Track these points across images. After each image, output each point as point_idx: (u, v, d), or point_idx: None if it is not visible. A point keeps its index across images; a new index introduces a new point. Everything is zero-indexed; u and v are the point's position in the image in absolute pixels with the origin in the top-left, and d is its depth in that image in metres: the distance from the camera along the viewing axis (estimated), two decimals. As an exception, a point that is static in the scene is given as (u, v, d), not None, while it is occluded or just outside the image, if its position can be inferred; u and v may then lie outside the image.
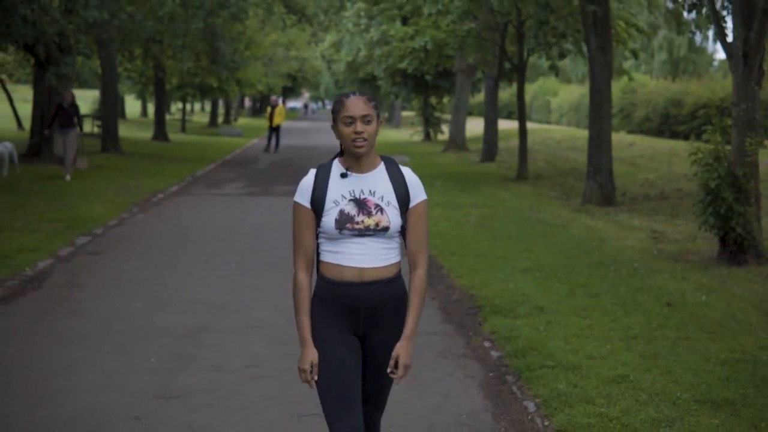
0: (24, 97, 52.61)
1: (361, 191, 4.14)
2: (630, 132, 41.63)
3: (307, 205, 4.16)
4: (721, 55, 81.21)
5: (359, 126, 4.06)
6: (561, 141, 37.23)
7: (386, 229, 4.11)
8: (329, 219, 4.10)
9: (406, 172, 4.23)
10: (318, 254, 4.25)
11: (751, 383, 6.77)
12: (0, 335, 8.26)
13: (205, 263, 11.95)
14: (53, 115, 21.32)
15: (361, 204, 4.12)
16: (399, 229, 4.19)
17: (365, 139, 4.07)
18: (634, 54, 24.99)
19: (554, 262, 11.85)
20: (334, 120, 4.15)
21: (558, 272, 11.17)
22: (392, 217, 4.13)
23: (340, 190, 4.14)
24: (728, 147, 12.32)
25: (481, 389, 6.95)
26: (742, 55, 12.25)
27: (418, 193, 4.22)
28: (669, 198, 19.22)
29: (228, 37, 31.66)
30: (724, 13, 13.54)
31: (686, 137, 34.43)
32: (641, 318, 8.83)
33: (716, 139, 12.23)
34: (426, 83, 42.68)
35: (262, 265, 11.87)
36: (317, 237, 4.22)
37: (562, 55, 24.56)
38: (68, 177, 21.00)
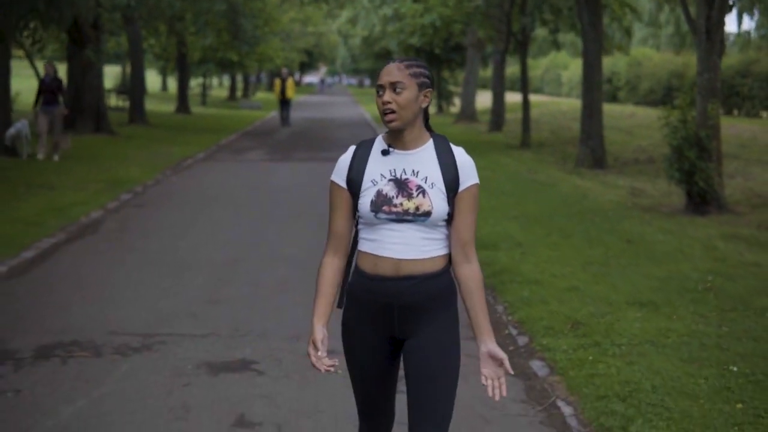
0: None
1: (403, 170, 3.70)
2: (636, 104, 43.22)
3: (343, 184, 3.77)
4: (730, 29, 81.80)
5: (387, 95, 3.63)
6: (567, 112, 38.78)
7: (428, 214, 3.64)
8: (365, 200, 3.69)
9: (458, 151, 3.75)
10: (356, 243, 3.84)
11: (675, 292, 8.56)
12: (70, 264, 10.09)
13: (235, 213, 13.75)
14: (38, 91, 19.97)
15: (401, 185, 3.67)
16: (444, 217, 3.69)
17: (393, 111, 3.63)
18: (628, 32, 26.66)
19: (539, 212, 13.60)
20: None
21: (541, 219, 12.93)
22: (436, 202, 3.65)
23: (380, 169, 3.72)
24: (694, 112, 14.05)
25: (460, 301, 8.72)
26: (705, 31, 13.94)
27: (469, 175, 3.73)
28: (656, 162, 20.90)
29: (249, 14, 33.29)
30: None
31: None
32: (602, 250, 10.62)
33: (684, 104, 13.95)
34: (438, 57, 44.37)
35: (285, 215, 13.66)
36: (357, 223, 3.82)
37: (555, 30, 26.25)
38: (56, 157, 19.61)
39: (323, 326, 3.76)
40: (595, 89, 20.87)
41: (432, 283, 3.71)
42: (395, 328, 3.75)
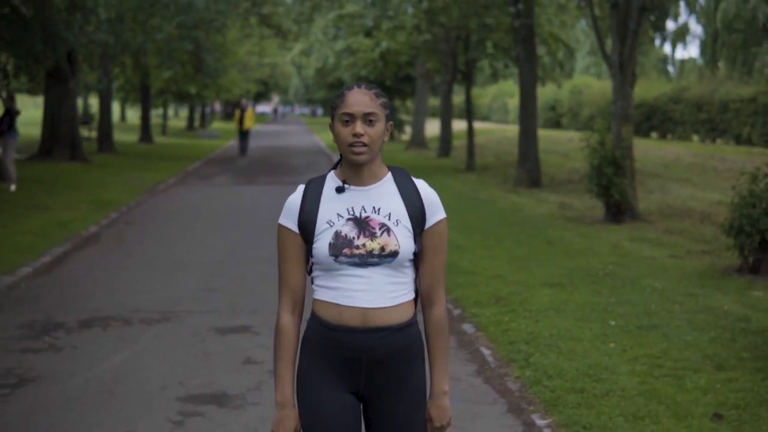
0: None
1: (363, 208, 3.38)
2: (578, 130, 45.64)
3: (294, 228, 3.43)
4: (666, 51, 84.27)
5: (359, 127, 3.31)
6: (511, 138, 40.87)
7: (394, 254, 3.34)
8: (322, 244, 3.36)
9: (421, 185, 3.47)
10: (313, 290, 3.49)
11: (580, 278, 10.73)
12: (84, 266, 12.08)
13: (213, 227, 15.79)
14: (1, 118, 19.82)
15: (362, 224, 3.36)
16: (411, 257, 3.41)
17: (365, 144, 3.32)
18: (561, 65, 29.15)
19: (478, 223, 15.75)
20: (332, 117, 3.41)
21: (479, 229, 15.07)
22: (402, 240, 3.35)
23: (336, 208, 3.39)
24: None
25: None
26: (618, 66, 16.22)
27: (435, 210, 3.44)
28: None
29: (211, 49, 35.33)
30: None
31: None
32: (527, 250, 12.79)
33: (602, 128, 16.18)
34: (389, 88, 46.69)
35: (257, 227, 15.71)
36: (311, 270, 3.49)
37: (496, 68, 28.87)
38: (12, 187, 19.43)
39: (294, 407, 3.48)
40: (530, 116, 23.18)
41: (402, 336, 3.41)
42: (360, 384, 3.44)
